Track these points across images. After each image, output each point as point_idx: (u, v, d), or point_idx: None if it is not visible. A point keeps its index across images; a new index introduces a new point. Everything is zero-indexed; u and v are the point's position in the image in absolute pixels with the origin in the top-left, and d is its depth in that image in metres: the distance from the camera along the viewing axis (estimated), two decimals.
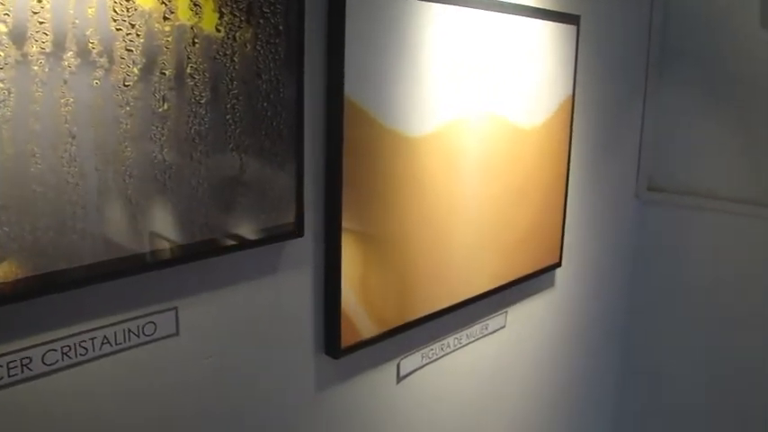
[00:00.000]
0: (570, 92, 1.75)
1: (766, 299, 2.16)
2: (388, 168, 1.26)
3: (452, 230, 1.45)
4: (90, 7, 0.80)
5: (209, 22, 0.92)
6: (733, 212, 2.19)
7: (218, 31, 0.93)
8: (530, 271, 1.75)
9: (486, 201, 1.52)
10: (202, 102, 0.94)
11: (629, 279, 2.41)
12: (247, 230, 1.03)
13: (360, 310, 1.26)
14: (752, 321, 2.19)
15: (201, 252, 0.98)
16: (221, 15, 0.93)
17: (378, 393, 1.42)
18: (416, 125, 1.29)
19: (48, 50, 0.77)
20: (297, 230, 1.10)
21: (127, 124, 0.86)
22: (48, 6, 0.77)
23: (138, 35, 0.85)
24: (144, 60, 0.86)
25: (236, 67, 0.97)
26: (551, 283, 1.94)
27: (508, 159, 1.56)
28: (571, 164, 1.86)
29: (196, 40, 0.91)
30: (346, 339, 1.24)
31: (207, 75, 0.93)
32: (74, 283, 0.86)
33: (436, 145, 1.35)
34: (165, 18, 0.87)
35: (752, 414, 2.25)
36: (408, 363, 1.47)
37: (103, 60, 0.82)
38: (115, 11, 0.82)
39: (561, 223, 1.84)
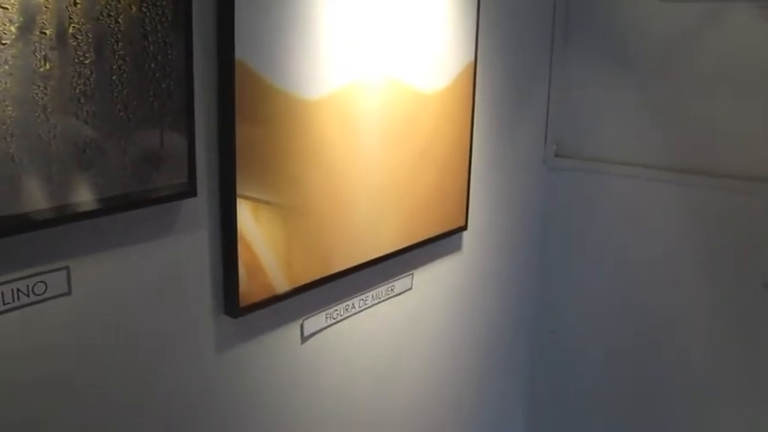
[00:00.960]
0: (472, 58, 1.84)
1: (671, 259, 2.32)
2: (284, 130, 1.31)
3: (354, 192, 1.52)
4: None
5: None
6: (638, 176, 2.33)
7: None
8: (435, 233, 1.84)
9: (388, 164, 1.60)
10: (87, 62, 0.97)
11: (538, 243, 2.55)
12: (139, 190, 1.07)
13: (259, 269, 1.32)
14: (657, 280, 2.36)
15: (92, 211, 1.02)
16: None
17: (282, 353, 1.49)
18: (312, 88, 1.35)
19: None
20: (190, 190, 1.15)
21: (6, 83, 0.89)
22: None
23: None
24: (21, 19, 0.88)
25: (122, 28, 1.00)
26: (458, 247, 2.04)
27: (409, 123, 1.63)
28: (476, 130, 1.96)
29: (77, 1, 0.94)
30: (245, 298, 1.30)
31: (90, 35, 0.96)
32: None
33: (334, 108, 1.41)
34: None
35: (658, 369, 2.42)
36: (312, 323, 1.54)
37: None
38: None
39: (466, 188, 1.94)
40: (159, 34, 1.04)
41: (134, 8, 1.01)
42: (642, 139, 2.31)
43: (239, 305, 1.29)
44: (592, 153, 2.43)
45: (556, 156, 2.49)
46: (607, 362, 2.53)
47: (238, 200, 1.24)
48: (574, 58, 2.40)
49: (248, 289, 1.30)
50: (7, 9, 0.87)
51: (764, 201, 2.11)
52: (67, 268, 1.04)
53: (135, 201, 1.07)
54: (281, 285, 1.38)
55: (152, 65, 1.05)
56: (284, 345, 1.49)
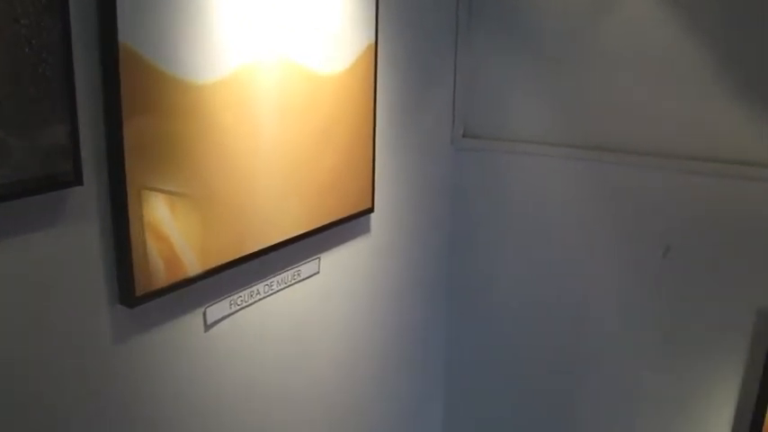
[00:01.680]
0: (372, 39, 1.86)
1: (579, 234, 2.42)
2: (178, 116, 1.30)
3: (255, 177, 1.52)
4: None
5: None
6: (544, 155, 2.41)
7: None
8: (341, 216, 1.86)
9: (288, 147, 1.61)
10: None
11: (447, 224, 2.61)
12: (17, 179, 1.04)
13: (157, 256, 1.31)
14: (566, 255, 2.45)
15: None
16: None
17: (184, 343, 1.49)
18: (205, 72, 1.34)
19: None
20: (75, 179, 1.13)
21: None
22: None
23: None
24: None
25: None
26: (366, 229, 2.08)
27: (308, 106, 1.65)
28: (380, 113, 1.99)
29: None
30: (142, 287, 1.29)
31: None
32: None
33: (229, 92, 1.41)
34: None
35: (573, 341, 2.53)
36: (215, 310, 1.55)
37: None
38: None
39: (371, 170, 1.97)
40: (32, 17, 1.02)
41: None
42: (548, 118, 2.40)
43: (135, 294, 1.28)
44: (499, 133, 2.50)
45: (463, 136, 2.56)
46: (521, 336, 2.63)
47: (133, 187, 1.23)
48: (479, 39, 2.46)
49: (145, 278, 1.29)
50: None
51: (664, 174, 2.22)
52: None
53: (14, 191, 1.04)
54: (177, 273, 1.38)
55: (26, 49, 1.02)
56: (186, 334, 1.49)
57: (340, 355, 2.08)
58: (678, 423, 2.43)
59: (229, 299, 1.58)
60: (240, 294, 1.61)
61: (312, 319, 1.90)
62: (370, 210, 2.01)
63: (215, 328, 1.56)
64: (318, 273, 1.88)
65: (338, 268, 1.97)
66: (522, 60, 2.40)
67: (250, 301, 1.64)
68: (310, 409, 1.98)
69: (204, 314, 1.52)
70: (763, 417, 2.24)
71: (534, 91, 2.39)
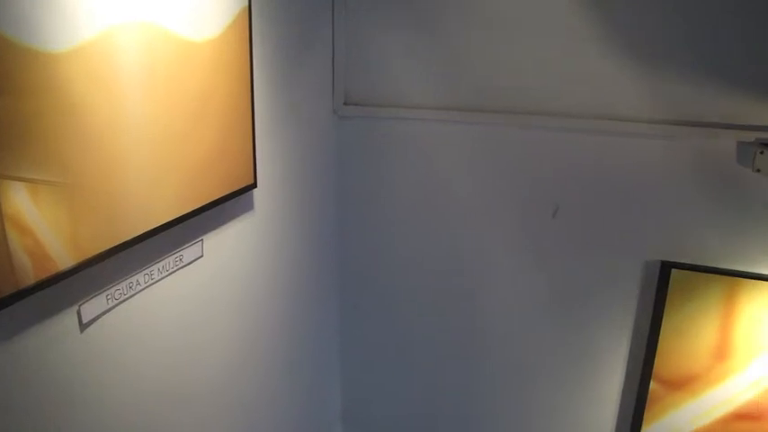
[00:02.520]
0: (246, 3, 1.75)
1: (469, 198, 2.43)
2: (28, 91, 1.15)
3: (124, 156, 1.39)
4: None
5: None
6: (430, 119, 2.40)
7: None
8: (222, 194, 1.75)
9: (160, 122, 1.48)
10: None
11: (335, 196, 2.55)
12: None
13: (21, 252, 1.16)
14: (457, 219, 2.46)
15: None
16: None
17: (58, 346, 1.34)
18: (57, 38, 1.19)
19: None
20: None
21: None
22: None
23: None
24: None
25: None
26: (249, 206, 1.98)
27: (179, 76, 1.52)
28: (258, 82, 1.89)
29: None
30: (6, 288, 1.14)
31: None
32: None
33: (87, 61, 1.27)
34: None
35: (467, 306, 2.56)
36: (91, 307, 1.41)
37: None
38: None
39: (251, 143, 1.87)
40: None
41: None
42: (431, 82, 2.37)
43: None
44: (383, 99, 2.45)
45: (345, 104, 2.49)
46: (416, 306, 2.63)
47: None
48: (357, 2, 2.39)
49: (8, 278, 1.14)
50: None
51: (549, 134, 2.26)
52: None
53: None
54: (46, 269, 1.23)
55: None
56: (61, 336, 1.34)
57: (232, 341, 1.98)
58: (573, 375, 2.53)
59: (106, 293, 1.44)
60: (118, 287, 1.47)
61: (199, 306, 1.79)
62: (253, 185, 1.91)
63: (92, 327, 1.42)
64: (202, 256, 1.77)
65: (223, 250, 1.87)
66: (402, 23, 2.36)
67: (129, 294, 1.51)
68: (205, 403, 1.88)
69: (79, 312, 1.38)
70: (653, 363, 2.37)
71: (416, 54, 2.36)
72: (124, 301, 1.50)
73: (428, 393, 2.76)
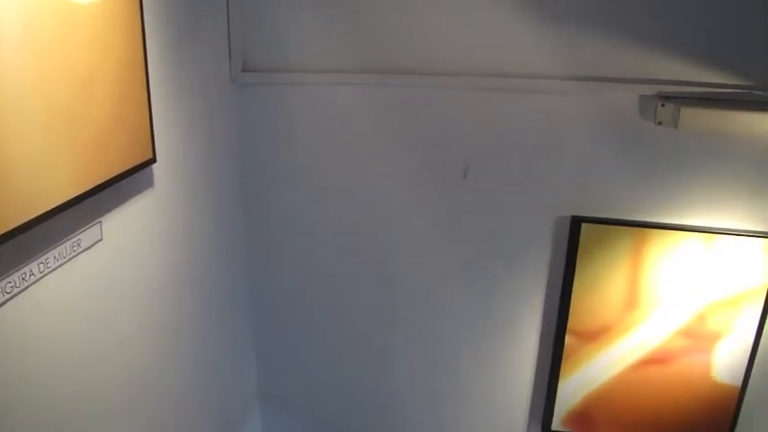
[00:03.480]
0: None
1: (377, 160, 2.38)
2: None
3: (6, 134, 1.26)
4: None
5: None
6: (335, 83, 2.32)
7: None
8: (119, 171, 1.64)
9: (46, 95, 1.35)
10: None
11: (239, 167, 2.45)
12: None
13: None
14: (366, 183, 2.42)
15: None
16: None
17: None
18: None
19: None
20: None
21: None
22: None
23: None
24: None
25: None
26: (149, 183, 1.86)
27: (64, 41, 1.39)
28: (151, 48, 1.76)
29: None
30: None
31: None
32: None
33: None
34: None
35: (378, 267, 2.54)
36: None
37: None
38: None
39: (148, 115, 1.75)
40: None
41: None
42: (332, 45, 2.30)
43: None
44: (284, 64, 2.36)
45: (244, 71, 2.38)
46: (328, 270, 2.58)
47: None
48: None
49: None
50: None
51: (456, 93, 2.24)
52: None
53: None
54: None
55: None
56: None
57: (139, 325, 1.88)
58: (488, 335, 2.57)
59: None
60: (9, 280, 1.35)
61: (101, 291, 1.68)
62: (152, 160, 1.80)
63: None
64: (101, 239, 1.65)
65: (124, 231, 1.75)
66: None
67: (22, 286, 1.39)
68: (114, 393, 1.78)
69: None
70: (567, 317, 2.43)
71: (318, 15, 2.28)
72: (17, 294, 1.38)
73: (344, 365, 2.73)
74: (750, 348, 2.43)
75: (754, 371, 2.46)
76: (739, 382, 2.49)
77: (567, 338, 2.47)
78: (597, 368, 2.52)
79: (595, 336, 2.46)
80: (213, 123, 2.25)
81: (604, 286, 2.38)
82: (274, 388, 2.86)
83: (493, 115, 2.25)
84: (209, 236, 2.28)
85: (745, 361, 2.45)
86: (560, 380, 2.54)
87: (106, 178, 1.58)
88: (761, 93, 2.09)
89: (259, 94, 2.40)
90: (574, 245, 2.33)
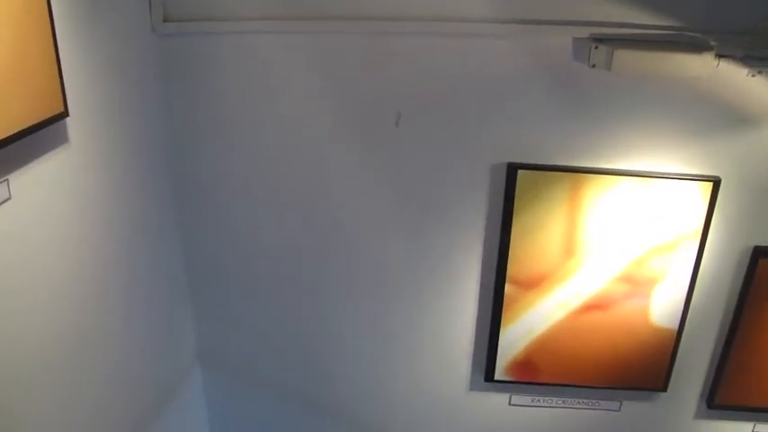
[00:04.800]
0: None
1: (308, 114, 2.33)
2: None
3: None
4: None
5: None
6: (262, 32, 2.23)
7: None
8: (25, 125, 1.56)
9: None
10: None
11: (164, 121, 2.37)
12: None
13: None
14: (301, 136, 2.37)
15: None
16: None
17: None
18: None
19: None
20: None
21: None
22: None
23: None
24: None
25: None
26: (64, 139, 1.79)
27: None
28: None
29: None
30: None
31: None
32: None
33: None
34: None
35: (315, 229, 2.50)
36: None
37: None
38: None
39: (56, 65, 1.67)
40: None
41: None
42: None
43: None
44: (207, 12, 2.26)
45: (165, 21, 2.28)
46: (263, 226, 2.54)
47: None
48: None
49: None
50: None
51: (387, 39, 2.19)
52: None
53: None
54: None
55: None
56: None
57: (61, 289, 1.82)
58: (429, 287, 2.57)
59: None
60: None
61: (12, 253, 1.61)
62: (64, 114, 1.72)
63: None
64: (10, 198, 1.58)
65: (35, 189, 1.68)
66: None
67: None
68: (39, 362, 1.73)
69: None
70: (506, 266, 2.45)
71: None
72: None
73: (285, 321, 2.71)
74: (686, 292, 2.49)
75: (689, 314, 2.52)
76: (676, 325, 2.55)
77: (507, 287, 2.49)
78: (538, 316, 2.55)
79: (535, 283, 2.49)
80: (134, 76, 2.16)
81: (543, 233, 2.39)
82: (214, 347, 2.83)
83: (425, 61, 2.21)
84: (133, 192, 2.21)
85: (682, 304, 2.51)
86: (502, 329, 2.57)
87: (9, 133, 1.51)
88: (693, 33, 2.09)
89: (183, 44, 2.31)
90: (510, 193, 2.33)
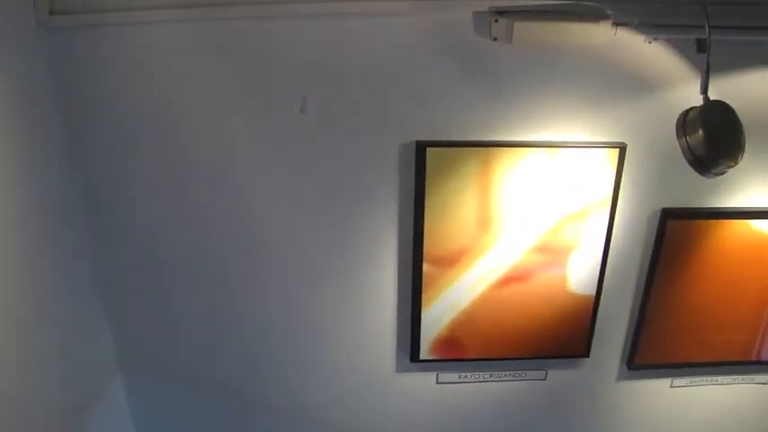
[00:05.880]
0: None
1: (210, 106, 2.25)
2: None
3: None
4: None
5: None
6: (156, 21, 2.13)
7: None
8: None
9: None
10: None
11: (54, 122, 2.26)
12: None
13: None
14: (202, 133, 2.29)
15: None
16: None
17: None
18: None
19: None
20: None
21: None
22: None
23: None
24: None
25: None
26: None
27: None
28: None
29: None
30: None
31: None
32: None
33: None
34: None
35: (226, 218, 2.44)
36: None
37: None
38: None
39: None
40: None
41: None
42: None
43: None
44: (96, 4, 2.15)
45: (52, 13, 2.16)
46: (172, 226, 2.47)
47: None
48: None
49: None
50: None
51: (291, 22, 2.13)
52: None
53: None
54: None
55: None
56: None
57: None
58: (347, 273, 2.56)
59: None
60: None
61: None
62: None
63: None
64: None
65: None
66: None
67: None
68: None
69: None
70: (422, 245, 2.45)
71: None
72: None
73: (205, 321, 2.64)
74: (600, 257, 2.55)
75: (605, 279, 2.59)
76: (594, 291, 2.62)
77: (426, 266, 2.49)
78: (459, 292, 2.56)
79: (453, 260, 2.50)
80: (20, 72, 2.05)
81: (457, 210, 2.40)
82: (134, 352, 2.74)
83: (327, 43, 2.17)
84: (29, 198, 2.10)
85: (597, 270, 2.57)
86: (423, 309, 2.58)
87: None
88: (590, 3, 2.12)
89: (72, 38, 2.19)
90: (421, 171, 2.32)
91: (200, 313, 2.64)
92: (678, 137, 1.97)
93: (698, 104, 1.98)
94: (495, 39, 2.11)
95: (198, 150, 2.33)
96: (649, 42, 2.20)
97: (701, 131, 1.90)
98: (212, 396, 2.85)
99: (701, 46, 1.94)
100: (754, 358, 2.87)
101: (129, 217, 2.44)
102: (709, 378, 2.96)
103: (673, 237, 2.55)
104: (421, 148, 2.30)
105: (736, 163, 1.93)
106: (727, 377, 2.97)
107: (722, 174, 1.97)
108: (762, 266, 2.65)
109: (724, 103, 1.94)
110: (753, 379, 3.00)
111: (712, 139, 1.89)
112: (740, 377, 2.98)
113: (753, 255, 2.62)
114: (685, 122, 1.95)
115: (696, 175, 2.05)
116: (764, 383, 3.02)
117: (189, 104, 2.26)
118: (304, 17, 2.13)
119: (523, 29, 2.07)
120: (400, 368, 2.76)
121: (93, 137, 2.31)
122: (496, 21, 2.10)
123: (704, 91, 1.95)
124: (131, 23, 2.16)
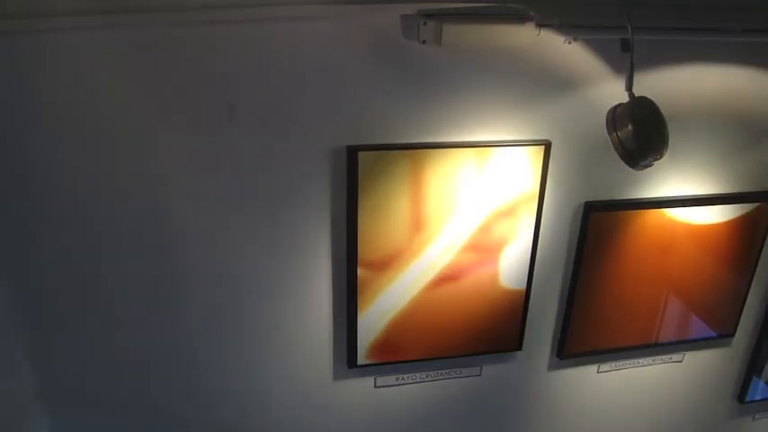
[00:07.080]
0: None
1: (136, 116, 2.16)
2: None
3: None
4: None
5: None
6: (77, 28, 2.00)
7: None
8: None
9: None
10: None
11: None
12: None
13: None
14: (130, 143, 2.19)
15: None
16: None
17: None
18: None
19: None
20: None
21: None
22: None
23: None
24: None
25: None
26: None
27: None
28: None
29: None
30: None
31: None
32: None
33: None
34: None
35: (155, 230, 2.34)
36: None
37: None
38: None
39: None
40: None
41: None
42: None
43: None
44: (15, 10, 2.00)
45: None
46: (96, 249, 2.35)
47: None
48: None
49: None
50: None
51: (220, 30, 2.07)
52: None
53: None
54: None
55: None
56: None
57: None
58: (281, 282, 2.52)
59: None
60: None
61: None
62: None
63: None
64: None
65: None
66: None
67: None
68: None
69: None
70: (356, 250, 2.45)
71: None
72: None
73: (134, 342, 2.51)
74: (530, 252, 2.63)
75: (535, 272, 2.67)
76: (524, 285, 2.69)
77: (360, 271, 2.49)
78: (393, 296, 2.58)
79: (387, 264, 2.51)
80: None
81: (389, 213, 2.41)
82: (59, 384, 2.57)
83: (253, 50, 2.12)
84: None
85: (527, 265, 2.65)
86: (359, 314, 2.58)
87: None
88: (517, 5, 2.17)
89: (3, 44, 2.03)
90: (353, 176, 2.32)
91: (127, 338, 2.51)
92: (609, 132, 2.06)
93: (621, 101, 2.08)
94: (424, 41, 2.14)
95: (121, 161, 2.21)
96: (569, 43, 2.28)
97: (630, 126, 2.00)
98: (148, 420, 2.73)
99: (625, 45, 2.04)
100: (665, 340, 3.05)
101: (44, 240, 2.30)
102: (631, 361, 3.12)
103: (595, 228, 2.66)
104: (352, 152, 2.29)
105: (662, 155, 2.04)
106: (647, 359, 3.14)
107: (650, 166, 2.07)
108: (675, 252, 2.81)
109: (648, 99, 2.04)
110: (670, 358, 3.18)
111: (641, 133, 2.00)
112: (659, 357, 3.15)
113: (668, 242, 2.77)
114: (615, 118, 2.04)
115: (616, 168, 2.16)
116: (680, 361, 3.21)
117: (111, 113, 2.14)
118: (231, 23, 2.08)
119: (452, 31, 2.11)
120: (338, 375, 2.75)
121: (17, 147, 2.15)
122: (425, 23, 2.12)
123: (629, 88, 2.05)
124: (52, 31, 2.02)
